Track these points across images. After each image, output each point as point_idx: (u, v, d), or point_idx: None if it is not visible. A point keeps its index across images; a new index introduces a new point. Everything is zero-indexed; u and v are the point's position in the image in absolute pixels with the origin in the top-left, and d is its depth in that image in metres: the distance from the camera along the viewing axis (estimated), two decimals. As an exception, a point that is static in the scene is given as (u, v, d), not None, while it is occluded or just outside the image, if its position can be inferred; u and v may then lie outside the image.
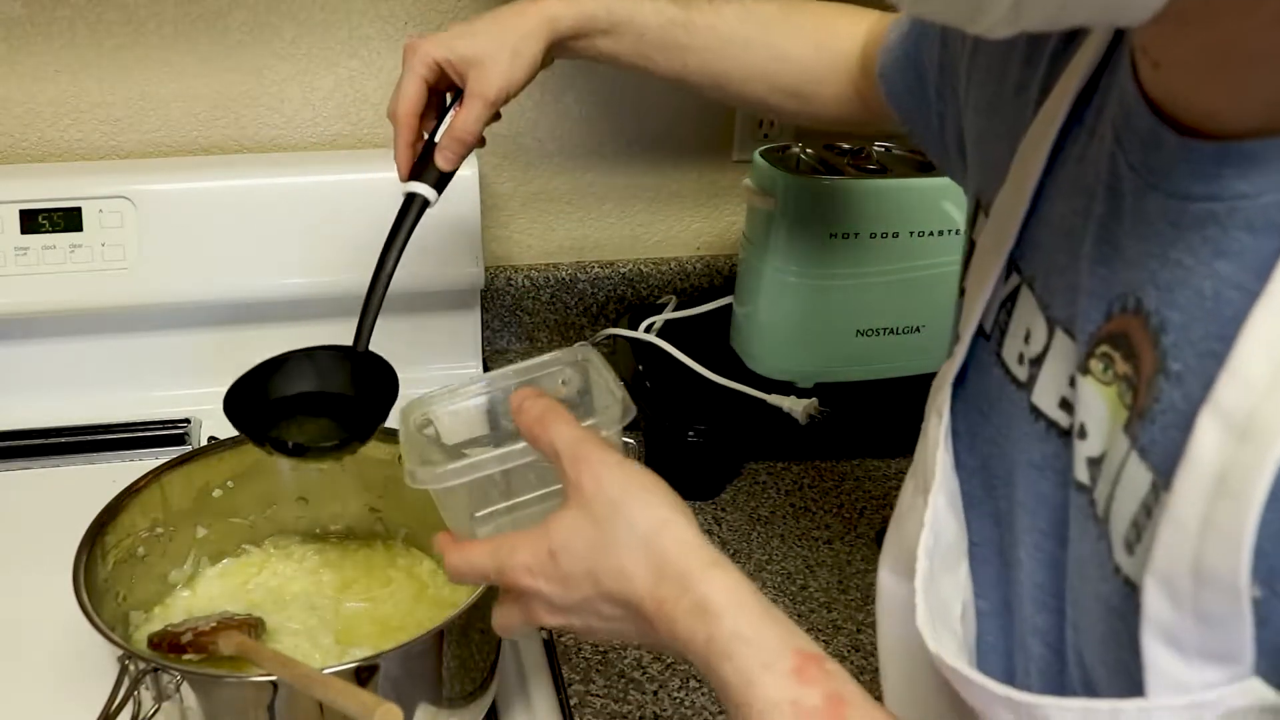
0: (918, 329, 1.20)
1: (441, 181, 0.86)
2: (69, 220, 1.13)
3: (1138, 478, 0.47)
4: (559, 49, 0.87)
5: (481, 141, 0.87)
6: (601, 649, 0.94)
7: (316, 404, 0.85)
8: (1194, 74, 0.46)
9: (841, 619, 0.98)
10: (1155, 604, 0.45)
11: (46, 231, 1.13)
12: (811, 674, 0.53)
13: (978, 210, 0.67)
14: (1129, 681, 0.47)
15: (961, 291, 0.67)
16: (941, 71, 0.74)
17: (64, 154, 1.21)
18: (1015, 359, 0.59)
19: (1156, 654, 0.45)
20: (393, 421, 0.74)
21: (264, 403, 0.84)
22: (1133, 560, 0.48)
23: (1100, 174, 0.53)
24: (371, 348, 0.84)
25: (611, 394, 0.68)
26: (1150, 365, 0.47)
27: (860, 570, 1.04)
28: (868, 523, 1.11)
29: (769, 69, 0.90)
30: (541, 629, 0.62)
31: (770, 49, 0.90)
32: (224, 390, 0.81)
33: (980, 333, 0.63)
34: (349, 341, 0.85)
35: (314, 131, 1.25)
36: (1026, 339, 0.58)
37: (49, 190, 1.13)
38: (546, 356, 0.71)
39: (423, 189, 0.86)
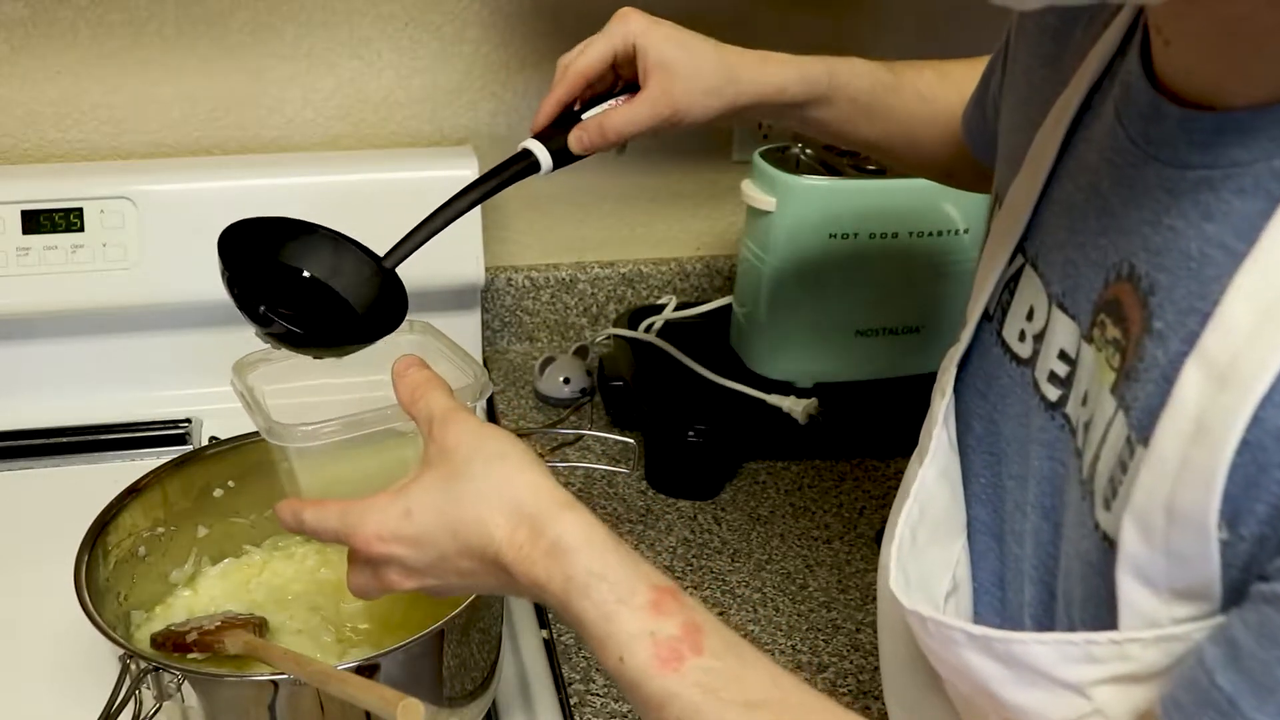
0: (917, 329, 1.21)
1: (561, 158, 0.81)
2: (70, 221, 1.14)
3: (1120, 436, 0.49)
4: (762, 112, 0.82)
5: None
6: (601, 648, 0.94)
7: (312, 293, 0.78)
8: (1203, 50, 0.48)
9: (841, 619, 0.98)
10: (1130, 541, 0.46)
11: (48, 232, 1.13)
12: (668, 606, 0.55)
13: (995, 204, 0.67)
14: None
15: None
16: (1002, 94, 0.74)
17: (66, 154, 1.21)
18: (1017, 337, 0.61)
19: (1130, 588, 0.47)
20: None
21: (264, 261, 0.76)
22: (1109, 515, 0.49)
23: (1102, 150, 0.55)
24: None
25: (463, 371, 0.74)
26: (1138, 327, 0.49)
27: (860, 570, 1.04)
28: (867, 523, 1.11)
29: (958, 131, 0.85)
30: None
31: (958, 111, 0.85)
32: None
33: (986, 316, 0.64)
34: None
35: (315, 132, 1.26)
36: (1029, 316, 0.59)
37: (51, 191, 1.14)
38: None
39: (541, 152, 0.80)
